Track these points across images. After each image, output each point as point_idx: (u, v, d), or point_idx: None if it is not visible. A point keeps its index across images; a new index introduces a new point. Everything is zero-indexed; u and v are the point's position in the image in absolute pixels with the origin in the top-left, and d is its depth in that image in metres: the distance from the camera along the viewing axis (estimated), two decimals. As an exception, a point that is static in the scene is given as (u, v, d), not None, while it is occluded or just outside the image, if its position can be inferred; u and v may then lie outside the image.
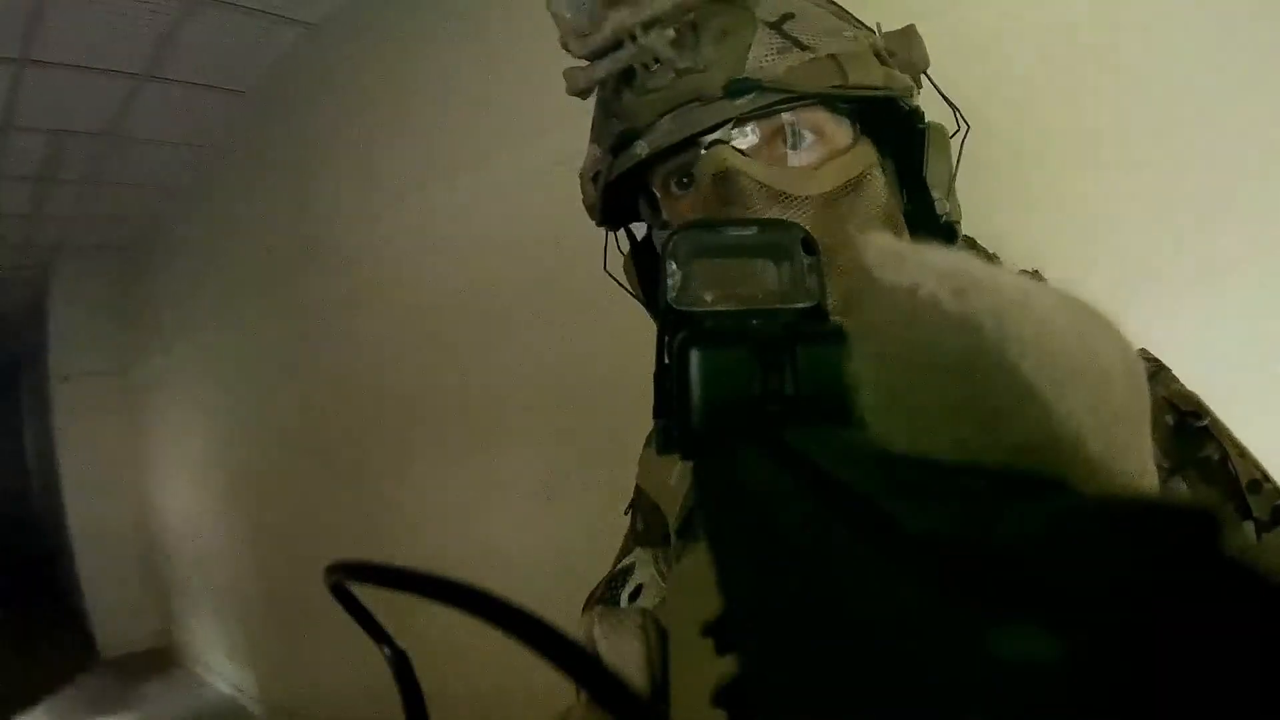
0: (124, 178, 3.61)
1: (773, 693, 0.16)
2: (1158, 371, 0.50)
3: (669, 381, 0.26)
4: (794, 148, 0.51)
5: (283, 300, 3.07)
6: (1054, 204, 1.03)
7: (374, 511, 2.63)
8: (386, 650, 0.30)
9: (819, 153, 0.52)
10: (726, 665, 0.18)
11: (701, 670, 0.42)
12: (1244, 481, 0.44)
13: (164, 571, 4.75)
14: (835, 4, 0.57)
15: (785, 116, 0.51)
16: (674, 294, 0.27)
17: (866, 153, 0.53)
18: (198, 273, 3.82)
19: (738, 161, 0.49)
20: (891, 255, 0.15)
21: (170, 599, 4.77)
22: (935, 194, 0.55)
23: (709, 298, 0.27)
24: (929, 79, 0.58)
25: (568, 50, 0.52)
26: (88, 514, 4.89)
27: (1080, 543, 0.10)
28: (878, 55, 0.53)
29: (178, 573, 4.54)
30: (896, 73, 0.54)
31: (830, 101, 0.52)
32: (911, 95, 0.55)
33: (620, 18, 0.49)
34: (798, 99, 0.50)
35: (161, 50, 2.56)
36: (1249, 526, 0.42)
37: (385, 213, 2.42)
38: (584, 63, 0.52)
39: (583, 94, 0.54)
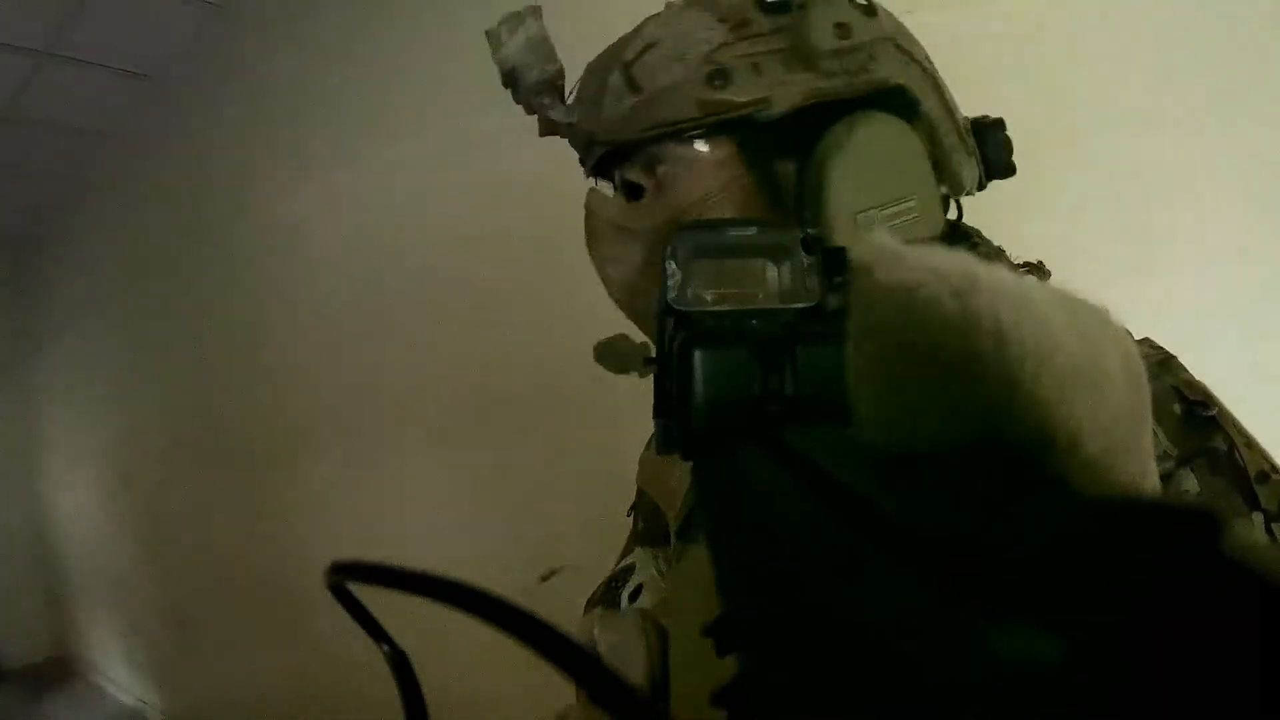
0: (17, 164, 3.40)
1: (772, 693, 0.16)
2: (1166, 360, 0.49)
3: (669, 381, 0.26)
4: (635, 188, 0.55)
5: (179, 294, 2.99)
6: (1047, 198, 1.03)
7: (275, 512, 2.56)
8: (386, 649, 0.30)
9: (663, 183, 0.54)
10: (726, 666, 0.18)
11: (701, 670, 0.42)
12: (1252, 473, 0.43)
13: (60, 578, 4.57)
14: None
15: (621, 168, 0.55)
16: (674, 294, 0.27)
17: (710, 175, 0.52)
18: (92, 264, 3.70)
19: (592, 203, 0.56)
20: (890, 254, 0.15)
21: (67, 607, 4.58)
22: (830, 212, 0.49)
23: (709, 298, 0.27)
24: (923, 74, 0.56)
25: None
26: None
27: (1081, 542, 0.10)
28: (720, 73, 0.49)
29: (74, 579, 4.38)
30: (749, 84, 0.49)
31: (671, 135, 0.52)
32: (772, 105, 0.49)
33: (526, 87, 0.55)
34: (611, 148, 0.55)
35: (64, 28, 2.43)
36: (1257, 518, 0.42)
37: (290, 200, 2.35)
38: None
39: (545, 135, 0.60)
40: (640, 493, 0.69)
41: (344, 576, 0.28)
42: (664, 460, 0.62)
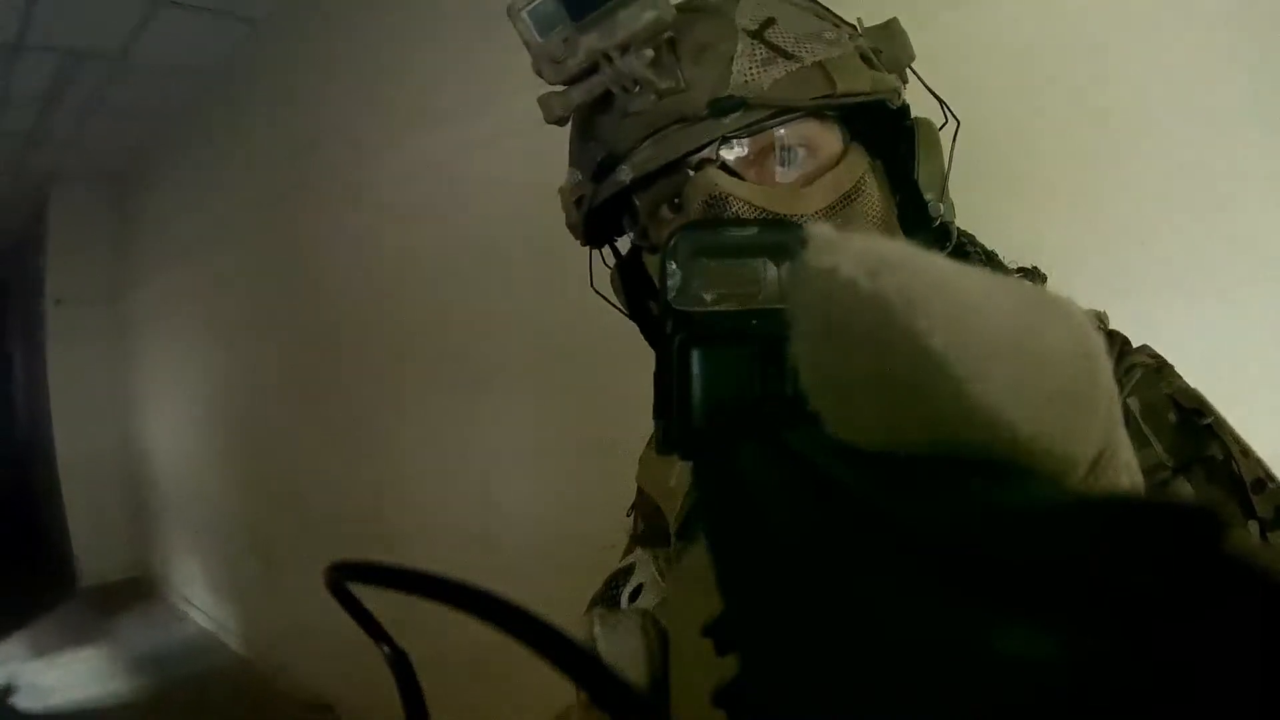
0: (127, 103, 3.57)
1: (773, 693, 0.16)
2: (1160, 368, 0.49)
3: (669, 381, 0.26)
4: (784, 164, 0.50)
5: (277, 234, 3.01)
6: (1045, 201, 1.03)
7: (365, 451, 2.58)
8: (386, 649, 0.30)
9: (809, 167, 0.51)
10: (726, 666, 0.18)
11: (701, 670, 0.42)
12: (1248, 481, 0.43)
13: (149, 503, 4.72)
14: (815, 2, 0.56)
15: (775, 132, 0.50)
16: (674, 294, 0.27)
17: (858, 162, 0.52)
18: (192, 203, 3.76)
19: (728, 184, 0.48)
20: (824, 241, 0.16)
21: (153, 531, 4.73)
22: (928, 195, 0.54)
23: (709, 298, 0.27)
24: (914, 73, 0.57)
25: (541, 77, 0.50)
26: (74, 442, 4.86)
27: (1082, 542, 0.10)
28: (863, 57, 0.52)
29: (163, 505, 4.51)
30: (883, 73, 0.53)
31: (819, 111, 0.51)
32: (898, 95, 0.54)
33: (593, 41, 0.47)
34: (786, 114, 0.49)
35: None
36: (1253, 527, 0.42)
37: (391, 150, 2.34)
38: (559, 88, 0.50)
39: (560, 122, 0.52)
40: (640, 492, 0.69)
41: (344, 576, 0.28)
42: (664, 460, 0.62)
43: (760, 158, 0.50)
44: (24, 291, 6.35)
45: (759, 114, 0.48)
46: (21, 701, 3.39)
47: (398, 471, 2.45)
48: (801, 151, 0.50)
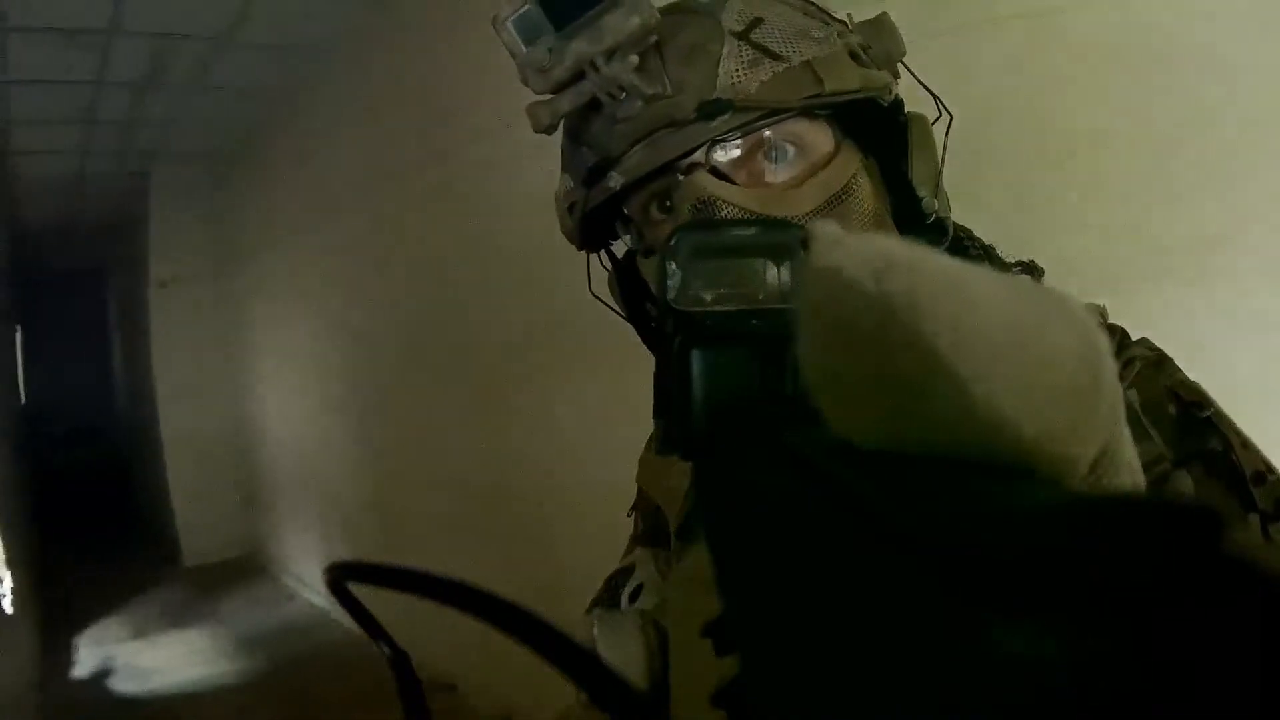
0: (228, 82, 3.56)
1: (772, 693, 0.16)
2: (1161, 361, 0.49)
3: (669, 382, 0.26)
4: (775, 162, 0.50)
5: (399, 206, 2.97)
6: (1043, 197, 1.03)
7: (496, 426, 2.55)
8: (385, 649, 0.30)
9: (800, 166, 0.50)
10: (726, 665, 0.18)
11: (701, 671, 0.42)
12: (1248, 473, 0.43)
13: (258, 481, 4.71)
14: None
15: (764, 133, 0.50)
16: (674, 294, 0.27)
17: (849, 160, 0.52)
18: (304, 178, 3.74)
19: (716, 188, 0.48)
20: (828, 241, 0.16)
21: (262, 509, 4.71)
22: (921, 191, 0.53)
23: (709, 298, 0.27)
24: (906, 68, 0.57)
25: (527, 85, 0.50)
26: (180, 421, 4.91)
27: (1082, 541, 0.10)
28: (852, 54, 0.52)
29: (274, 483, 4.48)
30: (873, 70, 0.52)
31: (808, 110, 0.50)
32: (889, 90, 0.53)
33: (579, 48, 0.47)
34: (774, 115, 0.49)
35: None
36: (1254, 520, 0.42)
37: (514, 121, 2.28)
38: (546, 96, 0.50)
39: (548, 130, 0.52)
40: (640, 493, 0.69)
41: (344, 577, 0.28)
42: (664, 460, 0.62)
43: (750, 158, 0.50)
44: (123, 273, 6.42)
45: (747, 116, 0.48)
46: (119, 684, 3.31)
47: (530, 447, 2.40)
48: (792, 150, 0.50)
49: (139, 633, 3.80)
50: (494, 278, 2.49)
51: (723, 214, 0.48)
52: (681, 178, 0.49)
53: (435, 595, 0.24)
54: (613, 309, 0.64)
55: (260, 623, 3.83)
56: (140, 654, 3.56)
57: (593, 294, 0.65)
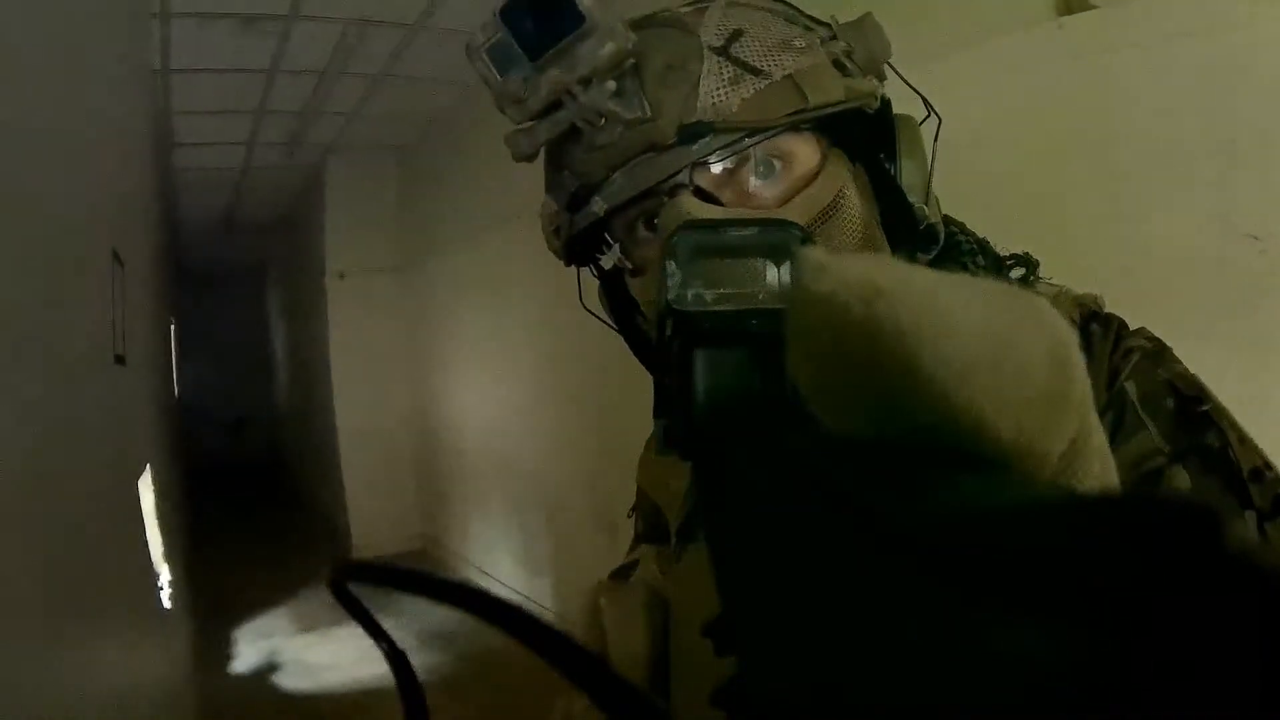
0: (416, 73, 3.47)
1: (771, 693, 0.16)
2: (1160, 352, 0.49)
3: (669, 382, 0.26)
4: (761, 178, 0.49)
5: None
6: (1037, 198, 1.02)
7: None
8: (384, 647, 0.30)
9: (787, 181, 0.50)
10: (726, 666, 0.18)
11: (701, 670, 0.42)
12: (1245, 470, 0.42)
13: (440, 473, 4.67)
14: (783, 1, 0.54)
15: (752, 153, 0.49)
16: (674, 294, 0.27)
17: (836, 173, 0.51)
18: (488, 173, 3.70)
19: (700, 211, 0.47)
20: (816, 267, 0.17)
21: (444, 501, 4.67)
22: (912, 197, 0.53)
23: (709, 298, 0.27)
24: (893, 69, 0.56)
25: (505, 115, 0.49)
26: (355, 413, 4.91)
27: (1081, 539, 0.10)
28: (836, 63, 0.51)
29: (461, 475, 4.43)
30: (857, 80, 0.51)
31: (792, 125, 0.49)
32: (874, 98, 0.52)
33: (554, 77, 0.46)
34: (757, 135, 0.48)
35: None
36: (1250, 516, 0.41)
37: None
38: (527, 124, 0.49)
39: (528, 159, 0.51)
40: (641, 493, 0.69)
41: (345, 577, 0.28)
42: (664, 460, 0.62)
43: (735, 176, 0.50)
44: (285, 266, 6.48)
45: (729, 136, 0.48)
46: (286, 680, 3.19)
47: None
48: (778, 166, 0.50)
49: (307, 626, 3.66)
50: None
51: None
52: (666, 199, 0.49)
53: (436, 596, 0.24)
54: (604, 321, 0.63)
55: (444, 617, 3.51)
56: (309, 649, 3.42)
57: (584, 306, 0.64)
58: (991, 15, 1.47)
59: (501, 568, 4.01)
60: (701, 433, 0.24)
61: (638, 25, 0.50)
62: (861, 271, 0.17)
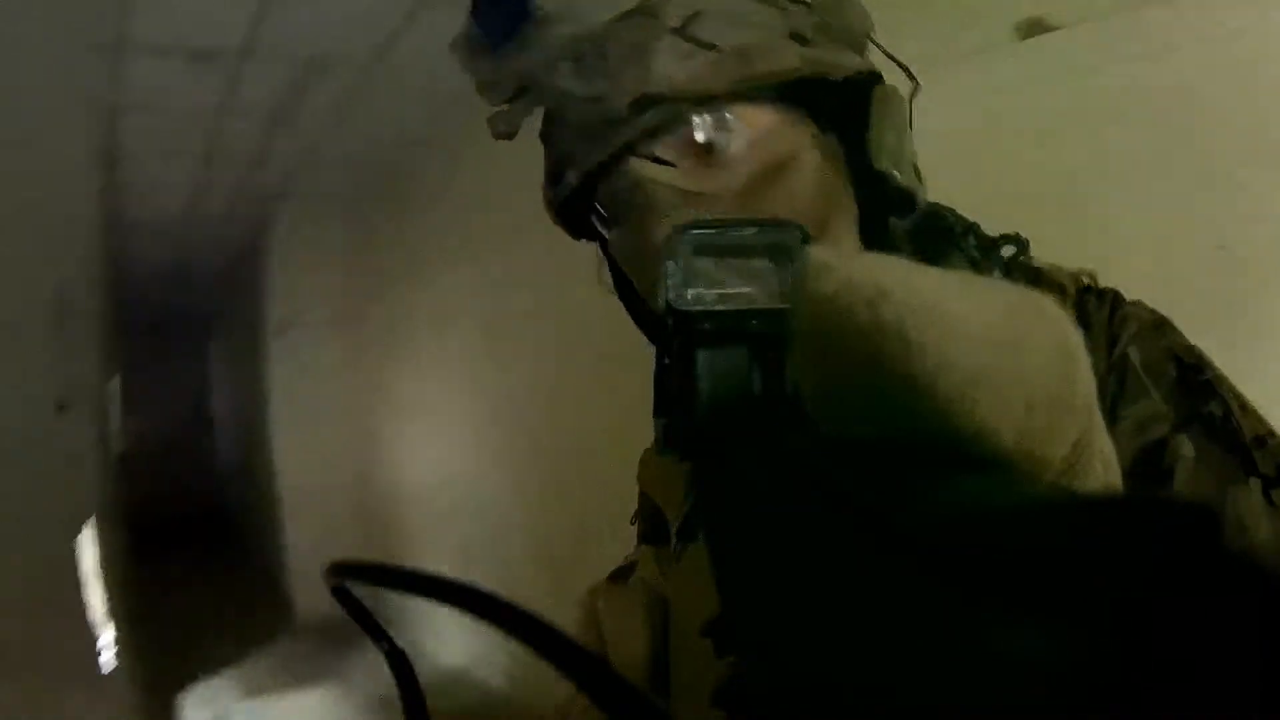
0: (370, 116, 3.29)
1: (771, 693, 0.16)
2: (1160, 324, 0.49)
3: (669, 381, 0.26)
4: (712, 142, 0.51)
5: (540, 258, 2.78)
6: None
7: None
8: (385, 647, 0.30)
9: (738, 146, 0.51)
10: (726, 666, 0.18)
11: (701, 670, 0.42)
12: (1248, 437, 0.43)
13: (389, 529, 4.43)
14: None
15: (695, 120, 0.51)
16: (674, 294, 0.27)
17: (786, 135, 0.52)
18: (436, 222, 3.66)
19: (648, 170, 0.51)
20: (822, 268, 0.17)
21: (394, 559, 4.43)
22: (881, 162, 0.53)
23: (709, 298, 0.27)
24: (874, 42, 0.57)
25: (483, 98, 0.54)
26: (300, 469, 4.67)
27: (1081, 540, 0.10)
28: (795, 35, 0.52)
29: (411, 530, 4.23)
30: (821, 50, 0.53)
31: (746, 94, 0.51)
32: (839, 68, 0.53)
33: (517, 64, 0.50)
34: (701, 104, 0.50)
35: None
36: (1255, 483, 0.42)
37: None
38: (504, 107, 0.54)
39: (508, 137, 0.56)
40: (641, 493, 0.69)
41: (345, 577, 0.28)
42: (664, 460, 0.62)
43: (689, 145, 0.52)
44: (233, 317, 6.25)
45: (676, 107, 0.50)
46: None
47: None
48: (728, 132, 0.51)
49: (253, 691, 3.53)
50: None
51: (650, 194, 0.50)
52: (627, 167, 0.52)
53: (436, 596, 0.24)
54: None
55: (389, 682, 3.44)
56: (256, 715, 3.31)
57: (601, 284, 0.66)
58: (952, 38, 1.48)
59: (450, 632, 3.75)
60: (702, 433, 0.24)
61: (619, 18, 0.53)
62: (866, 272, 0.17)
